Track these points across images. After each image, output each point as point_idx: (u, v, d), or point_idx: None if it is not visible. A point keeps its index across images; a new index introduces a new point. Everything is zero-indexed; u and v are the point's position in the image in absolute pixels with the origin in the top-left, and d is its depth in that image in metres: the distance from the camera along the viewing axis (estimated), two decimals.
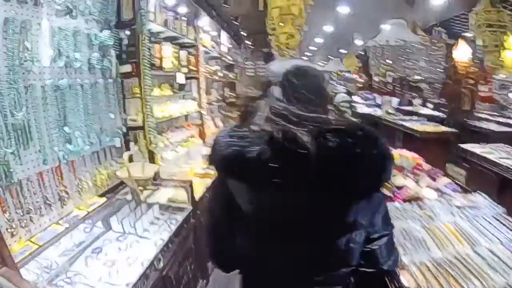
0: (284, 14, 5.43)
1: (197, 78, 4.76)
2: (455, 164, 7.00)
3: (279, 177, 1.01)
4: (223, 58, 7.25)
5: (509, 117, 8.58)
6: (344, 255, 1.15)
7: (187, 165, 4.31)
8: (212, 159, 1.17)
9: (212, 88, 6.34)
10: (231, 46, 8.26)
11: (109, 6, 2.91)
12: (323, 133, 1.03)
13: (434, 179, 3.08)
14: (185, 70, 4.22)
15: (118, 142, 2.90)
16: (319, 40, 13.12)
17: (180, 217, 2.89)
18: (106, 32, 2.80)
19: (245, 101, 1.24)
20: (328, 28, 10.27)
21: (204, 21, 5.67)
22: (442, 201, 2.55)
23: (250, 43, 8.74)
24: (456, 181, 3.14)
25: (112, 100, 2.91)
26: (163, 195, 3.19)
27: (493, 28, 5.93)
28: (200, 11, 5.17)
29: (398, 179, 2.97)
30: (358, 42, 11.77)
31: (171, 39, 4.10)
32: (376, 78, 11.65)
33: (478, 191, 2.70)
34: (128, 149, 3.03)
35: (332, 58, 17.35)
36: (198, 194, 3.36)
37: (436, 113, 9.32)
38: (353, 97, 10.39)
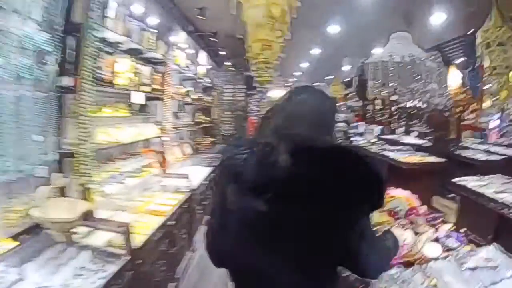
0: (261, 16, 4.13)
1: (161, 99, 4.30)
2: (441, 196, 6.72)
3: (257, 186, 1.15)
4: (199, 80, 6.87)
5: (490, 144, 8.58)
6: (316, 267, 1.22)
7: (143, 198, 3.83)
8: (219, 162, 1.33)
9: (182, 112, 5.90)
10: (210, 67, 7.91)
11: (57, 6, 2.48)
12: (301, 150, 1.13)
13: (434, 226, 2.70)
14: (146, 88, 3.78)
15: (42, 171, 2.40)
16: (304, 64, 12.44)
17: (115, 267, 2.40)
18: (44, 35, 2.35)
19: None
20: (315, 51, 9.63)
21: (180, 37, 5.29)
22: (450, 261, 2.10)
23: (230, 64, 8.36)
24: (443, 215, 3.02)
25: (44, 118, 2.42)
26: (101, 236, 2.68)
27: (505, 47, 5.46)
28: (175, 25, 4.78)
29: (394, 230, 2.55)
30: (346, 68, 11.43)
31: (134, 53, 3.68)
32: (376, 103, 10.60)
33: (493, 243, 2.30)
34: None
35: (318, 84, 16.88)
36: (144, 236, 2.89)
37: (422, 141, 9.15)
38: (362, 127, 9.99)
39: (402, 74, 6.44)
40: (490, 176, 4.87)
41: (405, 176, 6.32)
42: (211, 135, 8.10)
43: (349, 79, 13.94)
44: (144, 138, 3.89)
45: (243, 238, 1.24)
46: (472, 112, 8.25)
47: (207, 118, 7.51)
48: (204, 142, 7.06)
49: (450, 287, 1.85)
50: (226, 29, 5.82)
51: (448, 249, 2.32)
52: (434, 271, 1.99)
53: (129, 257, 2.52)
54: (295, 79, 16.73)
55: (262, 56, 4.29)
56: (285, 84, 13.17)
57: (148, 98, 4.21)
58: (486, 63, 5.96)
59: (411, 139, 9.28)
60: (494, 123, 8.64)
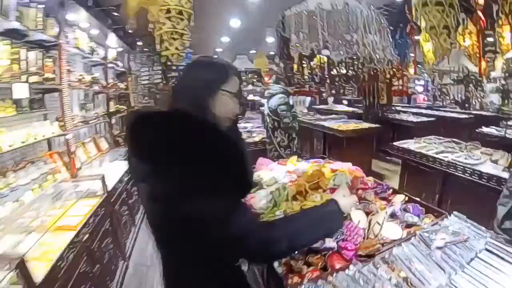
0: None
1: (59, 90, 3.56)
2: (379, 159, 6.94)
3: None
4: (110, 65, 6.10)
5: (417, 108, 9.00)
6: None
7: (52, 211, 3.19)
8: None
9: (90, 103, 5.16)
10: (121, 49, 7.12)
11: None
12: (153, 120, 1.19)
13: (387, 200, 2.41)
14: (34, 78, 3.04)
15: None
16: (225, 39, 11.72)
17: None
18: None
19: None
20: (236, 23, 8.87)
21: (80, 14, 4.53)
22: (415, 243, 1.80)
23: (142, 44, 7.54)
24: (384, 179, 2.73)
25: None
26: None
27: (443, 6, 5.22)
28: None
29: None
30: (270, 40, 10.87)
31: (12, 34, 2.93)
32: (304, 72, 9.75)
33: (452, 213, 2.09)
34: None
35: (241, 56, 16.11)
36: (51, 262, 2.37)
37: (353, 109, 9.31)
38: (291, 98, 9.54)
39: (334, 24, 5.01)
40: (425, 138, 4.98)
41: (342, 144, 6.29)
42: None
43: (273, 52, 13.56)
44: (40, 139, 3.14)
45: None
46: (399, 78, 8.43)
47: (123, 107, 6.75)
48: (123, 133, 6.35)
49: (423, 276, 1.55)
50: None
51: (408, 225, 2.06)
52: (401, 260, 1.68)
53: None
54: (216, 56, 15.84)
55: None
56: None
57: (44, 91, 3.51)
58: (422, 24, 5.78)
59: (343, 107, 9.36)
60: (420, 87, 9.09)
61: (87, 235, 2.94)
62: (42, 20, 3.23)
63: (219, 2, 5.77)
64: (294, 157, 3.39)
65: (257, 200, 2.36)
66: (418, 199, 2.42)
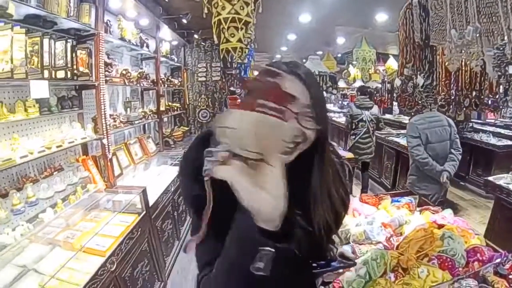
0: None
1: (95, 87, 3.11)
2: (452, 185, 5.94)
3: None
4: (163, 59, 5.75)
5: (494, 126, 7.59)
6: None
7: (84, 223, 2.82)
8: None
9: (136, 101, 4.79)
10: (176, 42, 6.78)
11: None
12: None
13: (507, 279, 1.74)
14: (61, 74, 2.64)
15: None
16: (292, 36, 10.14)
17: None
18: None
19: None
20: (306, 18, 7.47)
21: (126, 2, 4.16)
22: None
23: (198, 37, 7.12)
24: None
25: None
26: None
27: None
28: None
29: None
30: (341, 40, 9.81)
31: (35, 22, 2.54)
32: None
33: None
34: None
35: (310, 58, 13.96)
36: None
37: None
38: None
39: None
40: None
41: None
42: (184, 124, 7.04)
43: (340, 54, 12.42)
44: (66, 146, 2.71)
45: None
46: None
47: (176, 104, 6.41)
48: (175, 134, 5.97)
49: None
50: None
51: None
52: None
53: None
54: (278, 55, 14.31)
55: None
56: (274, 61, 11.32)
57: (79, 87, 3.15)
58: None
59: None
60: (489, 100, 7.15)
61: (115, 264, 2.51)
62: (75, 7, 2.83)
63: None
64: (388, 200, 2.77)
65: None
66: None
